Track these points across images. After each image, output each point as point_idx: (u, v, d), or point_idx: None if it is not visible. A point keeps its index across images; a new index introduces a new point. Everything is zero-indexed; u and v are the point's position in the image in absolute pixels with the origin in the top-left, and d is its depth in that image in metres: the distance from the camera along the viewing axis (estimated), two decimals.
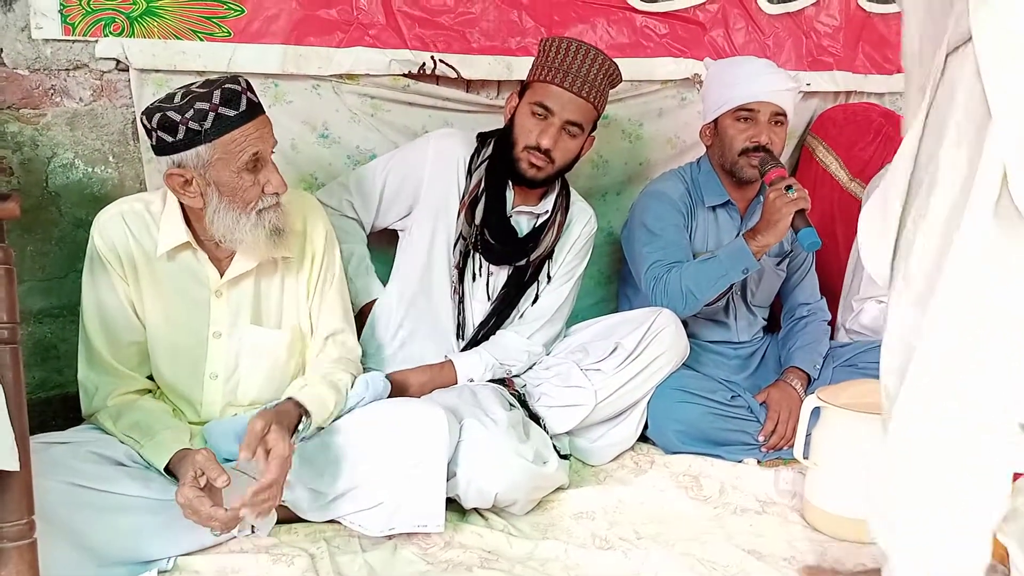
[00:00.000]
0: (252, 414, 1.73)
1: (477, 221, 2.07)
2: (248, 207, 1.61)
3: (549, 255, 2.17)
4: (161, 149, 1.56)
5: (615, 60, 2.06)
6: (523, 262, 2.13)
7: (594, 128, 2.10)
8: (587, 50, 2.00)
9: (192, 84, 1.59)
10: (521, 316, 2.19)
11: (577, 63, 1.98)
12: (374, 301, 2.12)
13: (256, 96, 1.62)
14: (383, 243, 2.24)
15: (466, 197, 2.07)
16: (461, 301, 2.12)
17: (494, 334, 2.15)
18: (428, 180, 2.09)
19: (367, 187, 2.12)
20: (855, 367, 2.29)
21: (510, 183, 2.10)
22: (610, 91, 2.09)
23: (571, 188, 2.23)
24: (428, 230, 2.10)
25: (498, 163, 2.07)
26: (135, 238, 1.66)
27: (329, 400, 1.71)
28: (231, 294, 1.72)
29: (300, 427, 1.62)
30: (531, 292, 2.18)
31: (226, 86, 1.56)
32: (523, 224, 2.15)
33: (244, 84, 1.60)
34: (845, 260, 2.79)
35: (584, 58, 1.99)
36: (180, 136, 1.53)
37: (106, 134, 2.03)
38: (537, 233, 2.14)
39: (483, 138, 2.14)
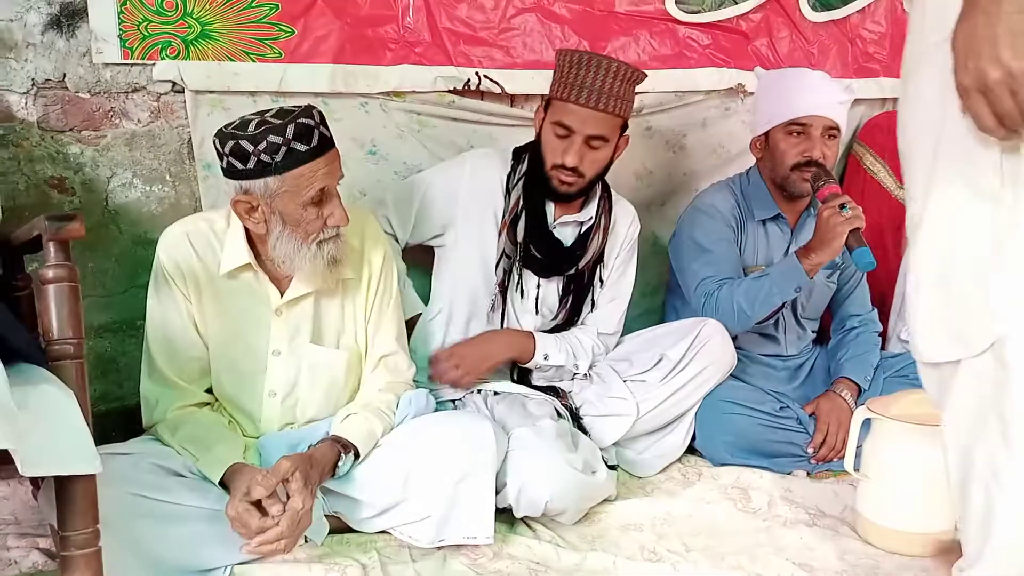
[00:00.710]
0: (306, 428, 1.77)
1: (520, 238, 2.08)
2: (309, 238, 1.64)
3: (600, 259, 2.17)
4: (231, 173, 1.60)
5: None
6: (573, 271, 2.14)
7: (625, 129, 2.07)
8: (598, 61, 1.96)
9: (267, 112, 1.60)
10: (583, 324, 2.21)
11: (591, 77, 1.94)
12: (417, 316, 2.15)
13: (328, 130, 1.63)
14: (419, 259, 2.25)
15: (507, 216, 2.08)
16: (503, 319, 2.13)
17: None
18: (464, 201, 2.11)
19: (403, 202, 2.14)
20: (907, 378, 2.24)
21: (546, 197, 2.10)
22: (637, 91, 2.03)
23: (612, 189, 2.22)
24: (465, 251, 2.12)
25: (535, 179, 2.08)
26: (199, 257, 1.70)
27: (376, 428, 1.73)
28: (291, 313, 1.75)
29: (340, 464, 1.64)
30: (588, 298, 2.19)
31: (300, 120, 1.57)
32: (568, 234, 2.15)
33: (318, 118, 1.61)
34: (895, 269, 2.76)
35: (597, 71, 1.95)
36: (251, 165, 1.56)
37: (163, 154, 2.10)
38: (583, 239, 2.14)
39: (518, 155, 2.14)
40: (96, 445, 1.34)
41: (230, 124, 1.60)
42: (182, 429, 1.66)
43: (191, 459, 1.62)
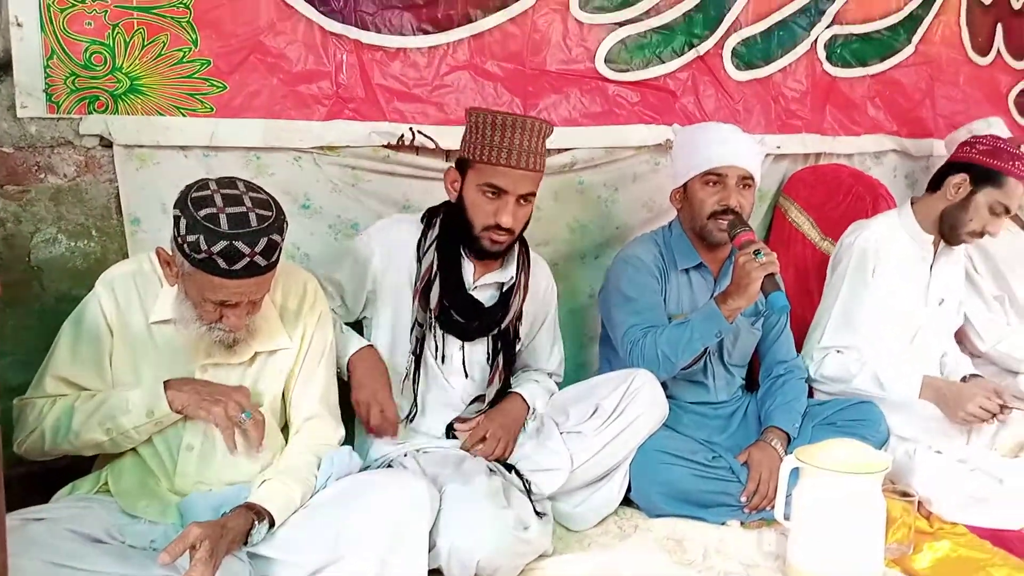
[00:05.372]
0: (230, 490, 1.72)
1: (433, 304, 2.05)
2: (201, 321, 1.64)
3: (519, 315, 2.18)
4: (173, 223, 1.58)
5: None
6: (496, 331, 2.14)
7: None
8: (522, 122, 1.97)
9: (227, 206, 1.54)
10: (525, 369, 2.30)
11: (517, 139, 1.95)
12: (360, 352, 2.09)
13: (271, 256, 1.58)
14: None
15: (418, 283, 2.06)
16: (417, 387, 2.11)
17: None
18: (380, 272, 2.10)
19: (348, 282, 2.13)
20: (834, 425, 2.30)
21: (465, 257, 2.09)
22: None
23: (527, 243, 2.22)
24: (387, 323, 2.12)
25: (452, 241, 2.07)
26: (140, 299, 1.70)
27: (295, 493, 1.69)
28: (217, 372, 1.73)
29: (252, 532, 1.59)
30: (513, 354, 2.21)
31: (236, 243, 1.52)
32: (487, 295, 2.14)
33: (262, 245, 1.54)
34: None
35: (523, 132, 1.96)
36: (177, 239, 1.56)
37: (90, 209, 2.06)
38: (505, 299, 2.14)
39: (428, 218, 2.13)
40: (15, 508, 1.29)
41: (197, 188, 1.57)
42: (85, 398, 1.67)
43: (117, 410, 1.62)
